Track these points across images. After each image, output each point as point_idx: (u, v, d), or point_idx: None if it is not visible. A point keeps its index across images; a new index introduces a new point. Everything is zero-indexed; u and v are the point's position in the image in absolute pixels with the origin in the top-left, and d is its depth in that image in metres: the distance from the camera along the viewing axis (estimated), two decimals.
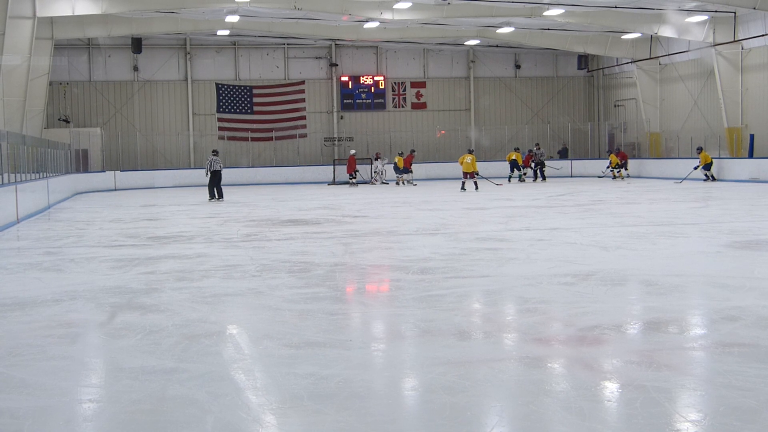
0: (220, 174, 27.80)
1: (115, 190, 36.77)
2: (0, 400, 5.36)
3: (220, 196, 27.44)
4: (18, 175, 20.99)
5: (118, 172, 38.02)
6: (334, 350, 6.44)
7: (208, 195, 27.72)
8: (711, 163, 33.76)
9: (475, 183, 30.42)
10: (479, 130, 45.51)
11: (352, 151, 38.40)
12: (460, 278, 9.96)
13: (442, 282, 9.70)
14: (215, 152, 29.33)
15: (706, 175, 33.67)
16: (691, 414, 4.86)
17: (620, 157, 38.49)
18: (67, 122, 40.17)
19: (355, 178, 37.14)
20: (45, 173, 26.01)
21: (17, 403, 5.30)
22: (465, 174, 30.20)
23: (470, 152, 31.87)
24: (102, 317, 7.98)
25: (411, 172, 37.04)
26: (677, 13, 33.92)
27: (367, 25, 37.14)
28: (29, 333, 7.30)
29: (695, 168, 33.85)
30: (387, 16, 33.50)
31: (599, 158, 44.16)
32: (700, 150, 34.06)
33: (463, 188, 29.91)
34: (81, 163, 38.33)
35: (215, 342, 6.87)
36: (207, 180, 27.80)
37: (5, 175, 19.45)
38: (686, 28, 35.09)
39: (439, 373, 5.71)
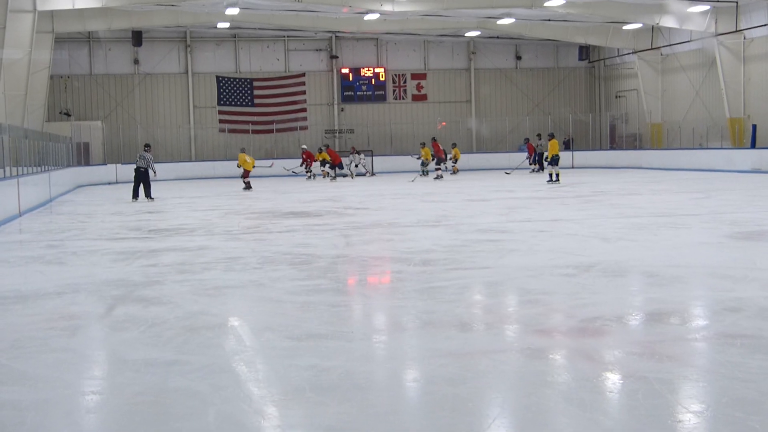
0: (145, 172, 24.90)
1: (117, 183, 36.72)
2: (2, 393, 5.36)
3: (147, 195, 24.74)
4: (20, 168, 21.00)
5: (119, 165, 37.96)
6: (336, 342, 6.45)
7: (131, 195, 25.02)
8: (557, 156, 28.81)
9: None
10: (480, 122, 45.49)
11: (304, 146, 38.12)
12: (461, 270, 9.96)
13: (444, 273, 9.70)
14: (147, 147, 26.25)
15: (550, 175, 28.73)
16: (694, 405, 4.85)
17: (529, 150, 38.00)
18: (68, 116, 40.19)
19: (310, 172, 36.94)
20: (46, 166, 26.03)
21: (20, 395, 5.31)
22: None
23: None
24: (104, 310, 7.99)
25: (444, 160, 36.81)
26: (679, 3, 33.88)
27: (368, 17, 37.10)
28: (31, 326, 7.31)
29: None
30: (387, 7, 33.48)
31: (600, 149, 44.19)
32: (551, 137, 29.55)
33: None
34: (82, 156, 38.36)
35: (217, 334, 6.87)
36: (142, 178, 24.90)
37: (7, 169, 19.46)
38: (688, 17, 35.04)
39: (441, 365, 5.71)
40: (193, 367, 5.80)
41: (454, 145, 39.59)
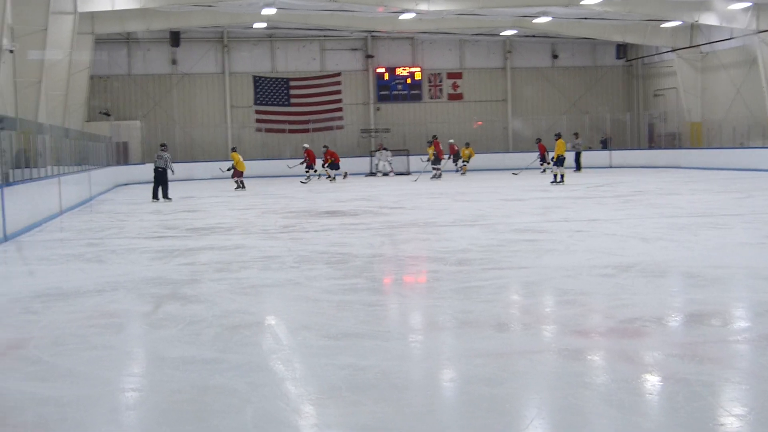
0: (164, 172, 24.90)
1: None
2: (45, 389, 5.42)
3: (165, 195, 24.76)
4: (61, 167, 21.22)
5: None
6: (372, 341, 6.45)
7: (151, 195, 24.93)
8: (563, 157, 28.58)
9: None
10: (516, 121, 45.31)
11: (305, 144, 37.88)
12: (498, 269, 9.93)
13: (481, 273, 9.68)
14: (163, 146, 26.34)
15: (555, 175, 28.43)
16: (736, 408, 4.80)
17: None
18: (108, 115, 40.50)
19: (310, 171, 35.90)
20: (87, 166, 26.27)
21: (61, 391, 5.36)
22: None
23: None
24: (143, 308, 8.05)
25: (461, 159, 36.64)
26: (720, 0, 33.49)
27: (403, 17, 37.06)
28: (72, 323, 7.38)
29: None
30: (423, 7, 33.42)
31: (639, 148, 43.86)
32: (558, 137, 29.26)
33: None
34: (121, 155, 38.66)
35: (254, 333, 6.90)
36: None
37: (49, 168, 19.67)
38: (729, 15, 34.60)
39: (478, 365, 5.69)
40: (230, 365, 5.83)
41: (467, 145, 39.34)
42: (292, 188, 29.45)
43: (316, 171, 35.78)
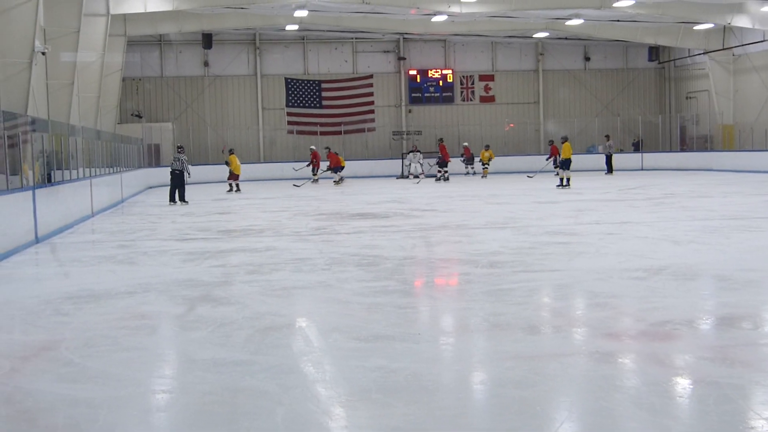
0: (181, 175, 24.53)
1: (186, 183, 37.14)
2: (77, 390, 5.47)
3: (182, 198, 24.40)
4: (93, 169, 21.38)
5: (188, 167, 38.26)
6: (403, 344, 6.45)
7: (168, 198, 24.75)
8: (569, 160, 28.19)
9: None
10: (548, 123, 45.16)
11: (312, 147, 37.73)
12: (529, 272, 9.91)
13: (512, 276, 9.66)
14: (180, 148, 26.06)
15: (561, 179, 27.86)
16: (766, 411, 4.77)
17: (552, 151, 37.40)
18: (140, 117, 40.80)
19: (316, 173, 35.98)
20: (119, 167, 26.46)
21: (93, 393, 5.41)
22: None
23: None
24: (174, 309, 8.10)
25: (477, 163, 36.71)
26: (753, 3, 33.22)
27: (435, 19, 37.04)
28: (104, 324, 7.44)
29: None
30: (455, 9, 33.39)
31: (671, 151, 43.57)
32: (564, 140, 28.75)
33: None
34: (153, 157, 38.85)
35: (285, 335, 6.93)
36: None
37: (80, 170, 19.83)
38: (762, 17, 34.34)
39: (508, 368, 5.69)
40: (261, 367, 5.86)
41: (486, 147, 39.09)
42: (323, 190, 29.51)
43: (315, 175, 35.89)
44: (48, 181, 16.42)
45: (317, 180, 35.96)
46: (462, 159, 38.86)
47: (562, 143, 28.61)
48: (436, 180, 35.30)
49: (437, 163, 35.97)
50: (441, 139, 37.16)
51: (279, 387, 5.35)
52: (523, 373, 5.55)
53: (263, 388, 5.34)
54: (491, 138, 42.47)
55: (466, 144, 39.66)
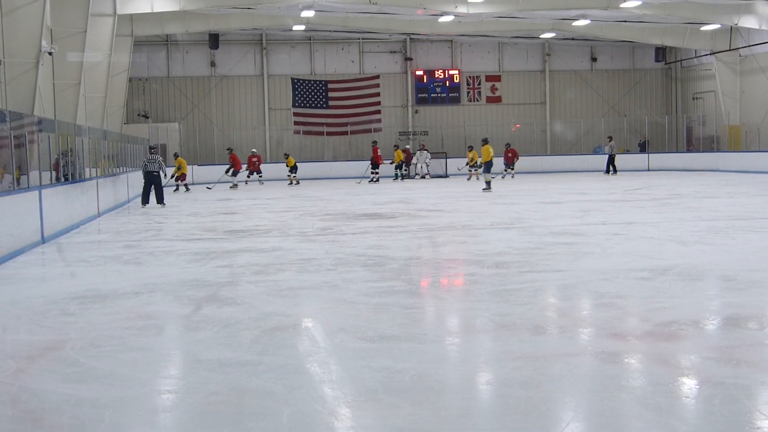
0: (158, 175, 23.41)
1: (193, 184, 37.21)
2: (82, 390, 5.48)
3: (160, 200, 23.40)
4: (99, 169, 21.40)
5: (195, 167, 38.40)
6: (409, 344, 6.46)
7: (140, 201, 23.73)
8: (491, 163, 27.61)
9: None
10: (555, 124, 45.14)
11: (253, 149, 37.88)
12: (535, 272, 9.91)
13: (517, 276, 9.66)
14: (153, 149, 25.45)
15: (487, 182, 27.03)
16: None
17: (510, 154, 37.20)
18: (146, 117, 40.87)
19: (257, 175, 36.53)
20: (125, 168, 26.48)
21: (98, 393, 5.41)
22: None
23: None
24: (180, 310, 8.11)
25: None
26: (761, 3, 33.16)
27: (442, 19, 37.04)
28: (110, 325, 7.45)
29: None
30: (462, 9, 33.39)
31: (677, 151, 43.52)
32: (485, 142, 28.14)
33: None
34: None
35: (291, 335, 6.93)
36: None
37: (87, 170, 19.86)
38: None
39: (514, 368, 5.69)
40: (267, 367, 5.86)
41: (470, 148, 38.06)
42: (329, 191, 29.52)
43: (260, 176, 36.59)
44: (65, 179, 16.43)
45: (246, 182, 36.43)
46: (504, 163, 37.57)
47: (482, 145, 28.03)
48: (370, 181, 36.16)
49: (370, 165, 36.90)
50: (375, 142, 37.86)
51: (285, 387, 5.36)
52: (528, 373, 5.55)
53: (269, 389, 5.35)
54: (498, 138, 42.44)
55: (508, 144, 38.78)
